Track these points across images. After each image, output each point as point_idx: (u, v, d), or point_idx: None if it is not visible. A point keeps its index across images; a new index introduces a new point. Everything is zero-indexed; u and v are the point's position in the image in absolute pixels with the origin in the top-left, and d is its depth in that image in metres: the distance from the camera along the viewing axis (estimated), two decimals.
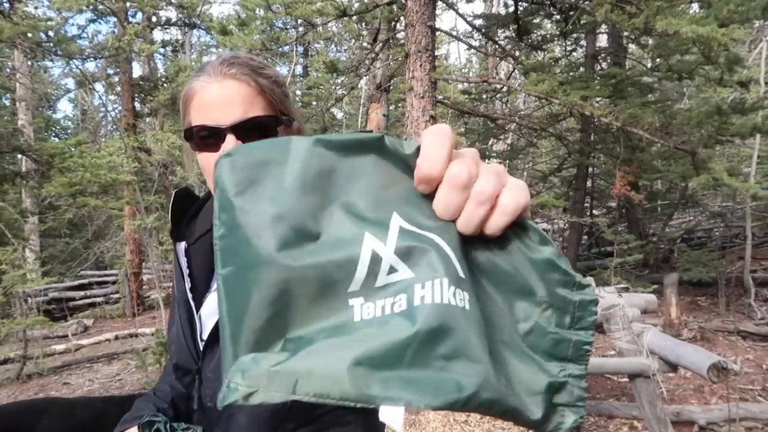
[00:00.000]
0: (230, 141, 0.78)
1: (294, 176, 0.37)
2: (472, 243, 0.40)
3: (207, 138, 0.80)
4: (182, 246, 0.92)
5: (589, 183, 8.78)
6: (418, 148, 0.39)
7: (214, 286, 0.90)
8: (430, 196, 0.39)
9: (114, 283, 9.82)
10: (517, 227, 0.40)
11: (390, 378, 0.33)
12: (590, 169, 8.57)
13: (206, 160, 0.82)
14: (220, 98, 0.79)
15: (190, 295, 0.88)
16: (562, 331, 0.41)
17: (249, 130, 0.79)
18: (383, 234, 0.37)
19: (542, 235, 0.41)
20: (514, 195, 0.39)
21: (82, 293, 9.59)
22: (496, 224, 0.39)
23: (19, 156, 7.08)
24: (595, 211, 9.95)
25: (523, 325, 0.41)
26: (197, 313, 0.89)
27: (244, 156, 0.38)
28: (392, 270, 0.36)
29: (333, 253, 0.36)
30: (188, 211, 0.96)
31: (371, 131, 0.39)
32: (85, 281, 10.06)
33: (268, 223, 0.36)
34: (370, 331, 0.35)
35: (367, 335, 0.35)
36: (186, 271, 0.90)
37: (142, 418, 0.81)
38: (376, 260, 0.36)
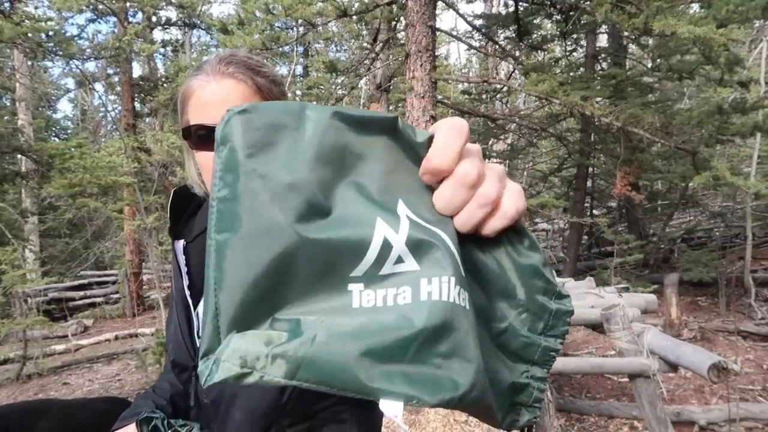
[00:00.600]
0: None
1: (309, 146, 0.35)
2: (463, 239, 0.40)
3: (205, 137, 0.80)
4: (181, 244, 0.93)
5: (589, 183, 8.78)
6: (430, 138, 0.38)
7: None
8: (430, 188, 0.39)
9: (114, 283, 9.82)
10: (511, 230, 0.41)
11: (392, 372, 0.33)
12: (590, 169, 8.57)
13: (204, 158, 0.82)
14: (218, 97, 0.79)
15: (187, 293, 0.89)
16: (534, 335, 0.42)
17: None
18: (395, 222, 0.36)
19: (533, 242, 0.41)
20: (515, 200, 0.39)
21: (81, 293, 9.59)
22: (493, 227, 0.39)
23: (19, 156, 7.08)
24: (595, 211, 9.95)
25: (497, 325, 0.42)
26: (194, 310, 0.89)
27: (260, 115, 0.35)
28: (399, 260, 0.35)
29: (344, 233, 0.34)
30: (187, 209, 0.96)
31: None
32: (85, 281, 10.06)
33: (282, 191, 0.34)
34: (372, 320, 0.34)
35: (368, 324, 0.34)
36: (184, 269, 0.91)
37: (140, 414, 0.82)
38: (386, 247, 0.35)
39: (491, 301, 0.42)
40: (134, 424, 0.82)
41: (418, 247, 0.36)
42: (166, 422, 0.82)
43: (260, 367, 0.32)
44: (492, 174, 0.39)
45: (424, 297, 0.34)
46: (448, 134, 0.37)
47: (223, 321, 0.33)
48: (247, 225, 0.33)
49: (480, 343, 0.38)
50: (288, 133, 0.35)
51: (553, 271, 0.43)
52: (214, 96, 0.79)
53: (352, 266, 0.35)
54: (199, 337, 0.86)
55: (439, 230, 0.37)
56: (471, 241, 0.40)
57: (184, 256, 0.92)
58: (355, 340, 0.33)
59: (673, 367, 2.81)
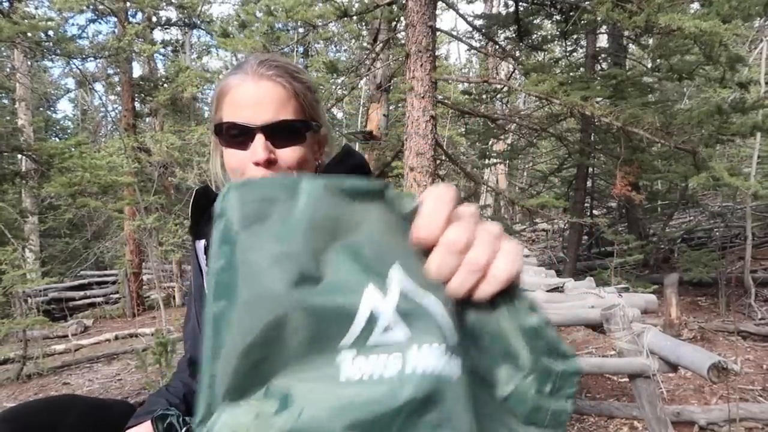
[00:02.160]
0: (259, 140, 0.79)
1: (302, 216, 0.36)
2: (463, 302, 0.39)
3: (237, 136, 0.81)
4: (201, 244, 0.93)
5: (589, 183, 8.78)
6: (417, 207, 0.39)
7: None
8: (426, 253, 0.39)
9: (114, 283, 9.81)
10: (508, 292, 0.40)
11: None
12: (590, 169, 8.57)
13: (232, 156, 0.83)
14: (254, 98, 0.80)
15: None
16: (542, 398, 0.41)
17: (278, 132, 0.81)
18: (384, 287, 0.36)
19: (532, 303, 0.41)
20: (507, 264, 0.38)
21: (81, 293, 9.59)
22: (485, 292, 0.39)
23: (19, 156, 7.08)
24: (595, 211, 9.95)
25: (503, 389, 0.41)
26: None
27: (254, 190, 0.36)
28: (388, 329, 0.35)
29: (333, 299, 0.35)
30: (208, 209, 0.96)
31: (388, 181, 0.38)
32: (85, 281, 10.06)
33: (273, 261, 0.34)
34: (359, 393, 0.34)
35: (355, 397, 0.34)
36: (205, 269, 0.91)
37: (155, 412, 0.83)
38: (374, 315, 0.35)
39: (494, 364, 0.41)
40: (149, 421, 0.82)
41: (407, 314, 0.35)
42: (181, 419, 0.82)
43: None
44: (483, 237, 0.38)
45: (409, 370, 0.34)
46: (434, 203, 0.38)
47: (218, 390, 0.33)
48: (241, 293, 0.34)
49: (479, 411, 0.37)
50: (282, 205, 0.36)
51: (555, 330, 0.42)
52: (250, 96, 0.80)
53: (341, 335, 0.35)
54: None
55: (433, 295, 0.37)
56: (471, 305, 0.40)
57: (205, 257, 0.92)
58: (341, 415, 0.33)
59: (673, 367, 2.81)
